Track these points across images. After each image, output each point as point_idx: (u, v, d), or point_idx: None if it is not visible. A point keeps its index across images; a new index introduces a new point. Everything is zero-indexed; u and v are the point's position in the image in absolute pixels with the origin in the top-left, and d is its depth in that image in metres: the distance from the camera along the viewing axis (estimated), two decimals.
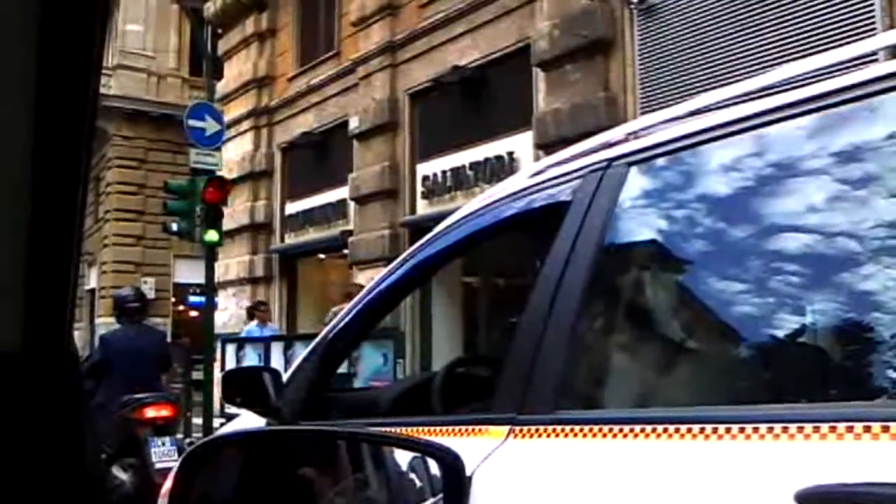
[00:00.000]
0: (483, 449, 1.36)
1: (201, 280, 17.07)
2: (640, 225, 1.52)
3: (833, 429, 0.94)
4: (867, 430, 0.91)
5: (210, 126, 10.55)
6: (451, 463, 1.08)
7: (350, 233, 12.13)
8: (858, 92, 1.15)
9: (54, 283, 0.61)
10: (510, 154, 9.65)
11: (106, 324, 21.84)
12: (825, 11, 6.74)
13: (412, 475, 1.28)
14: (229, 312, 14.29)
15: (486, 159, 9.95)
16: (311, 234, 13.39)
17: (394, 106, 11.44)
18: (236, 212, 14.15)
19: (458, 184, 10.41)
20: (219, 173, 10.57)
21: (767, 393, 1.19)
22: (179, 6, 23.67)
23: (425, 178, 10.95)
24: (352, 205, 12.31)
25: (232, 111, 14.73)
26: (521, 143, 9.55)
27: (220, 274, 13.06)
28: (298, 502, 1.41)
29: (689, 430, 1.10)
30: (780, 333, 1.19)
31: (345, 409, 2.46)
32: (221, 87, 15.10)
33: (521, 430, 1.38)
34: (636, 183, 1.49)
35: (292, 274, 14.13)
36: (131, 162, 23.09)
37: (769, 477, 0.98)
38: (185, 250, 20.65)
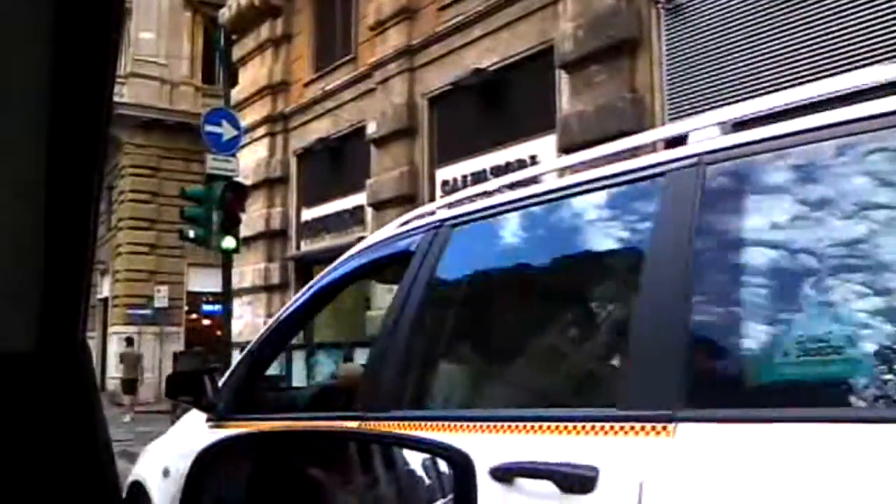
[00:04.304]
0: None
1: (215, 289, 16.97)
2: (454, 273, 2.16)
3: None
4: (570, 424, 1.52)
5: (227, 131, 10.42)
6: (462, 463, 1.11)
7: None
8: (635, 175, 1.70)
9: (69, 284, 0.61)
10: (533, 158, 9.46)
11: (119, 333, 21.78)
12: (856, 11, 6.55)
13: (423, 476, 1.35)
14: (244, 321, 14.13)
15: (508, 163, 9.76)
16: (328, 241, 13.22)
17: (412, 110, 11.29)
18: (251, 219, 14.00)
19: None
20: (236, 179, 10.43)
21: (524, 399, 1.89)
22: (193, 14, 23.76)
23: (444, 182, 10.78)
24: (369, 211, 12.14)
25: (247, 117, 14.59)
26: (543, 147, 9.37)
27: (235, 282, 12.91)
28: (309, 503, 1.53)
29: (472, 426, 1.72)
30: (531, 360, 1.90)
31: (268, 406, 2.99)
32: (236, 94, 14.98)
33: (365, 425, 2.02)
34: (455, 241, 2.11)
35: (308, 281, 13.96)
36: (144, 170, 23.01)
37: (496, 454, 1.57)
38: (199, 259, 20.55)
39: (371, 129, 11.92)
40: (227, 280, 10.64)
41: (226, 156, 10.37)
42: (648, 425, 1.40)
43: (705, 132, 1.66)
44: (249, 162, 14.42)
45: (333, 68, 13.20)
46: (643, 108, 8.15)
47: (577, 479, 1.44)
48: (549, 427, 1.58)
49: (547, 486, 1.48)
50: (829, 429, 1.20)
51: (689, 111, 7.86)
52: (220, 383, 2.88)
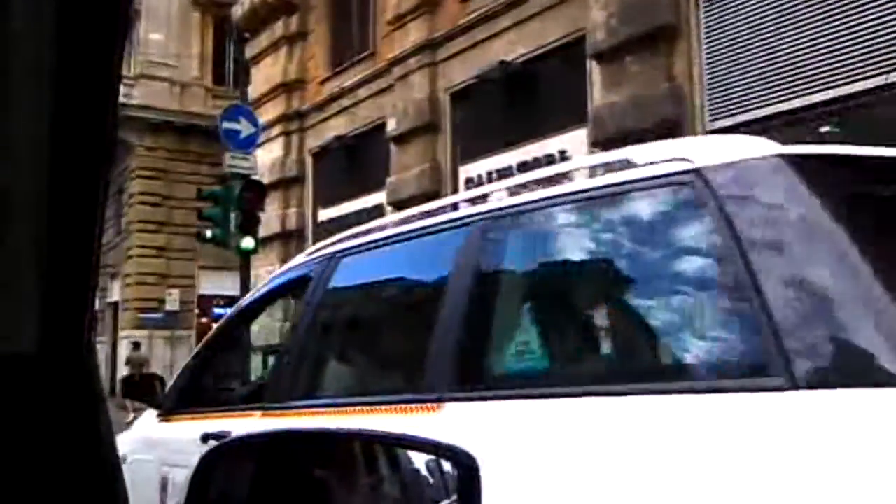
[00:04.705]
0: (247, 425, 2.52)
1: (226, 291, 16.73)
2: (337, 295, 2.72)
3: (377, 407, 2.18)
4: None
5: (245, 128, 10.12)
6: (466, 464, 1.13)
7: None
8: (450, 225, 2.32)
9: (74, 284, 0.61)
10: (562, 153, 9.13)
11: (130, 337, 21.50)
12: None
13: (427, 476, 1.40)
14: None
15: (536, 159, 9.43)
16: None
17: (434, 106, 10.97)
18: (267, 220, 13.64)
19: None
20: (254, 177, 10.13)
21: (369, 389, 2.58)
22: (202, 15, 23.50)
23: (469, 180, 10.45)
24: (389, 210, 11.81)
25: (261, 116, 14.26)
26: (573, 141, 9.03)
27: (250, 284, 12.60)
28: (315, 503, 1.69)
29: (333, 410, 2.36)
30: (375, 361, 2.70)
31: (208, 402, 3.33)
32: (250, 93, 14.67)
33: (266, 413, 2.58)
34: (340, 269, 2.63)
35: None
36: (154, 172, 22.73)
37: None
38: (210, 261, 20.25)
39: (391, 125, 11.61)
40: (245, 282, 10.32)
41: (244, 153, 10.06)
42: (427, 404, 1.98)
43: (498, 194, 2.31)
44: (264, 161, 14.10)
45: (351, 65, 12.89)
46: (681, 99, 7.81)
47: None
48: (375, 408, 2.20)
49: None
50: (544, 403, 1.76)
51: (732, 102, 7.52)
52: (169, 384, 3.60)
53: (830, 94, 6.75)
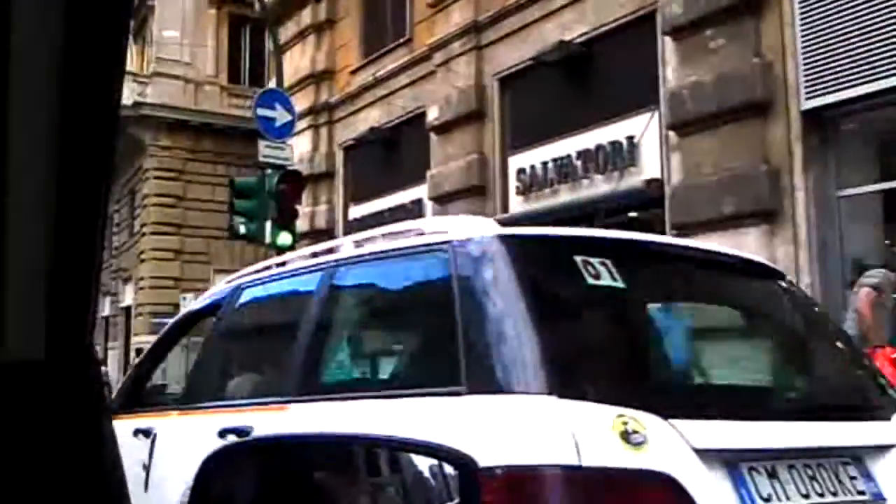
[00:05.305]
0: (168, 422, 3.22)
1: None
2: (238, 317, 3.38)
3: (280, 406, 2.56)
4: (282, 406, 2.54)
5: (280, 116, 9.40)
6: (466, 466, 1.41)
7: None
8: (312, 269, 2.93)
9: (76, 292, 0.62)
10: (629, 139, 8.39)
11: (143, 343, 20.77)
12: None
13: (430, 479, 1.74)
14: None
15: (599, 146, 8.70)
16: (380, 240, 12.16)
17: (480, 92, 10.23)
18: None
19: (562, 176, 9.15)
20: (291, 168, 9.39)
21: (254, 393, 3.08)
22: (218, 11, 22.83)
23: (520, 171, 9.71)
24: (429, 205, 11.09)
25: None
26: (642, 125, 8.29)
27: None
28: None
29: (226, 409, 2.94)
30: (261, 371, 3.38)
31: (148, 403, 3.67)
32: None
33: (182, 412, 3.20)
34: (242, 296, 3.27)
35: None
36: (169, 173, 21.98)
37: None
38: (226, 264, 19.53)
39: (432, 115, 10.88)
40: None
41: (279, 142, 9.33)
42: (281, 405, 2.56)
43: (346, 246, 2.96)
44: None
45: (385, 52, 12.18)
46: (773, 76, 7.07)
47: (244, 432, 2.63)
48: (250, 408, 2.78)
49: (233, 438, 2.67)
50: (354, 403, 2.37)
51: (830, 78, 6.78)
52: (116, 389, 4.18)
53: None
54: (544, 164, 9.35)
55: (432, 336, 2.45)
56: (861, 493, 2.07)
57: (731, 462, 1.89)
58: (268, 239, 9.14)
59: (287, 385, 2.62)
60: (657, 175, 8.07)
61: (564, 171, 9.09)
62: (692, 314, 3.02)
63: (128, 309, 23.45)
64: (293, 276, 3.07)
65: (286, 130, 9.45)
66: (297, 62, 13.92)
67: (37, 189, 0.57)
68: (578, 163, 8.94)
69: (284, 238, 8.94)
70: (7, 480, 0.57)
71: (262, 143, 9.22)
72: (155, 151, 21.97)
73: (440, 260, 2.21)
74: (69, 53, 0.55)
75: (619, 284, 2.14)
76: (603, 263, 2.11)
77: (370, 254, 2.67)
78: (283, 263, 3.45)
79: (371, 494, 2.20)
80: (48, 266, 0.59)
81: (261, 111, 9.26)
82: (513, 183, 9.85)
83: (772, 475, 1.94)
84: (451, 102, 10.51)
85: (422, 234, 2.50)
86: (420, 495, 1.93)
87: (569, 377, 1.85)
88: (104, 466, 0.63)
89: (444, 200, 10.61)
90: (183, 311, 4.06)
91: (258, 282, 3.27)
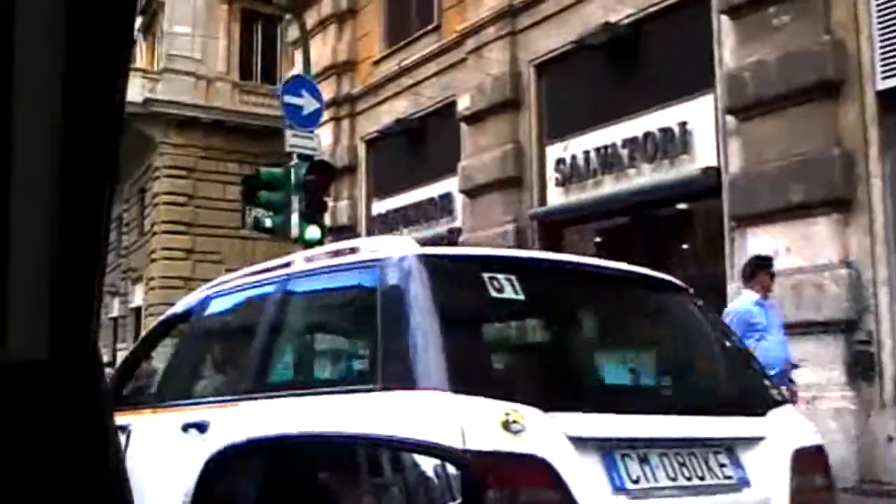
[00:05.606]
0: (142, 419, 3.41)
1: None
2: (206, 322, 3.68)
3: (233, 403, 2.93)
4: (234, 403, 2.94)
5: (308, 103, 8.92)
6: (470, 467, 1.45)
7: (459, 230, 10.42)
8: (267, 282, 3.26)
9: (79, 293, 0.62)
10: (682, 125, 7.90)
11: None
12: None
13: (434, 479, 1.84)
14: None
15: (647, 134, 8.21)
16: (405, 236, 11.68)
17: (515, 80, 9.75)
18: None
19: (606, 166, 8.66)
20: (318, 158, 8.90)
21: (213, 393, 3.38)
22: (229, 6, 22.38)
23: (559, 161, 9.22)
24: (459, 199, 10.61)
25: None
26: (697, 111, 7.80)
27: None
28: None
29: (186, 406, 3.23)
30: (221, 373, 3.78)
31: (122, 403, 3.76)
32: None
33: (154, 410, 3.47)
34: (210, 305, 3.59)
35: None
36: (180, 171, 21.49)
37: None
38: (238, 264, 19.08)
39: (463, 104, 10.40)
40: None
41: (306, 131, 8.85)
42: (231, 402, 2.90)
43: (298, 262, 3.22)
44: None
45: (411, 41, 11.70)
46: (845, 54, 6.57)
47: (202, 427, 2.93)
48: (210, 405, 3.07)
49: (194, 431, 2.97)
50: (293, 400, 2.73)
51: None
52: None
53: None
54: (586, 153, 8.86)
55: (359, 340, 2.96)
56: (728, 478, 2.39)
57: (605, 449, 2.20)
58: (294, 233, 8.65)
59: (241, 384, 3.02)
60: (713, 163, 7.57)
61: (609, 161, 8.60)
62: (590, 323, 3.37)
63: (137, 310, 23.00)
64: (253, 287, 3.40)
65: (314, 119, 8.97)
66: (317, 53, 13.41)
67: (41, 189, 0.58)
68: (624, 151, 8.45)
69: (313, 232, 8.46)
70: (10, 482, 0.57)
71: (288, 132, 8.75)
72: (165, 149, 21.50)
73: (369, 275, 2.62)
74: (73, 52, 0.56)
75: (520, 297, 2.47)
76: (508, 279, 2.44)
77: (316, 269, 3.09)
78: (250, 275, 3.70)
79: (308, 484, 2.54)
80: (52, 267, 0.59)
81: (288, 98, 8.79)
82: (551, 174, 9.36)
83: (643, 461, 2.24)
84: (483, 91, 10.03)
85: (357, 251, 2.88)
86: (344, 476, 2.45)
87: (465, 377, 2.17)
88: (107, 469, 0.63)
89: (475, 193, 10.13)
90: (163, 317, 4.19)
91: (224, 292, 3.61)
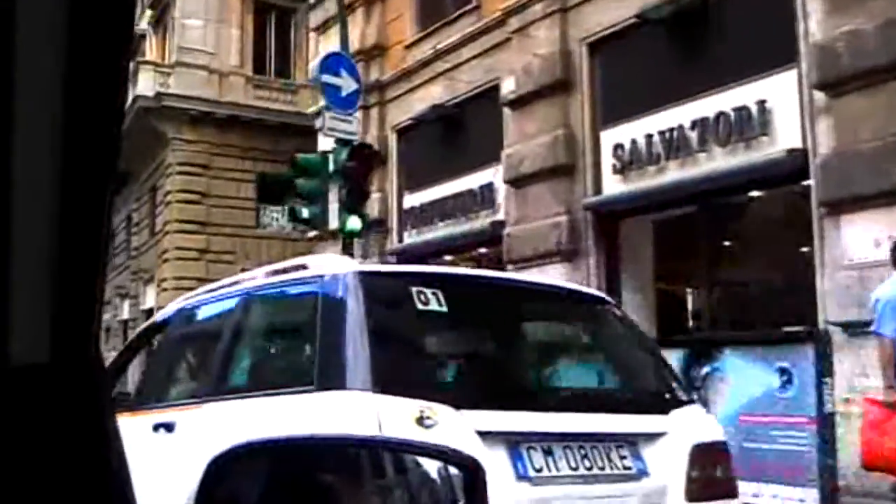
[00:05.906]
0: (120, 422, 3.27)
1: None
2: (178, 331, 4.14)
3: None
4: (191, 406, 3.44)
5: (347, 84, 8.26)
6: (472, 469, 1.25)
7: (502, 224, 9.75)
8: (231, 295, 3.72)
9: (82, 296, 0.62)
10: (761, 103, 7.22)
11: None
12: None
13: (437, 483, 1.57)
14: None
15: (720, 114, 7.53)
16: (442, 230, 11.00)
17: (566, 60, 9.09)
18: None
19: (671, 150, 7.99)
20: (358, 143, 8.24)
21: (185, 395, 3.78)
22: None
23: (617, 146, 8.55)
24: (502, 189, 9.94)
25: None
26: (777, 87, 7.13)
27: None
28: None
29: (163, 409, 3.69)
30: (193, 377, 4.08)
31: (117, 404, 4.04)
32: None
33: (133, 412, 3.63)
34: (185, 316, 4.08)
35: None
36: (193, 168, 20.84)
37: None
38: (254, 264, 18.45)
39: (507, 87, 9.74)
40: None
41: (345, 114, 8.20)
42: (196, 404, 3.30)
43: (259, 277, 3.66)
44: None
45: (447, 22, 11.04)
46: None
47: (169, 427, 3.34)
48: (177, 407, 3.48)
49: (163, 431, 3.35)
50: (244, 401, 3.07)
51: None
52: None
53: None
54: (648, 136, 8.19)
55: (302, 347, 3.18)
56: (628, 468, 2.74)
57: (511, 442, 2.58)
58: (332, 224, 8.00)
59: (204, 388, 3.43)
60: (798, 144, 6.90)
61: (676, 144, 7.93)
62: (509, 332, 3.54)
63: (149, 311, 22.32)
64: (219, 300, 3.77)
65: (353, 100, 8.33)
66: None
67: (42, 191, 0.57)
68: (693, 134, 7.78)
69: (354, 223, 7.83)
70: (12, 486, 0.57)
71: (326, 114, 8.10)
72: (178, 145, 20.84)
73: (313, 290, 3.01)
74: (74, 52, 0.55)
75: (443, 309, 2.82)
76: (434, 293, 2.80)
77: (273, 283, 3.47)
78: (217, 289, 4.02)
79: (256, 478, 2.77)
80: (53, 269, 0.59)
81: (326, 77, 8.15)
82: (607, 160, 8.69)
83: (547, 453, 2.61)
84: (530, 72, 9.37)
85: (306, 268, 3.24)
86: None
87: (388, 379, 2.57)
88: (110, 473, 0.63)
89: (522, 183, 9.47)
90: (145, 325, 4.68)
91: (195, 304, 4.04)
